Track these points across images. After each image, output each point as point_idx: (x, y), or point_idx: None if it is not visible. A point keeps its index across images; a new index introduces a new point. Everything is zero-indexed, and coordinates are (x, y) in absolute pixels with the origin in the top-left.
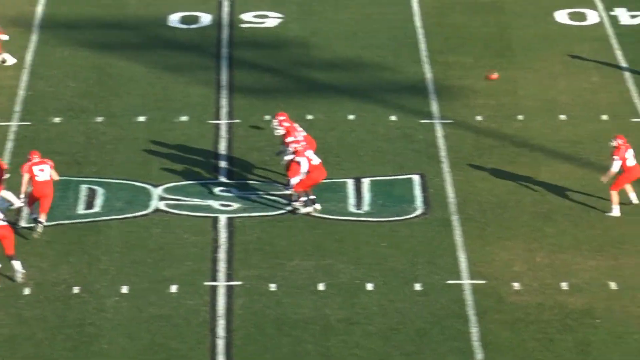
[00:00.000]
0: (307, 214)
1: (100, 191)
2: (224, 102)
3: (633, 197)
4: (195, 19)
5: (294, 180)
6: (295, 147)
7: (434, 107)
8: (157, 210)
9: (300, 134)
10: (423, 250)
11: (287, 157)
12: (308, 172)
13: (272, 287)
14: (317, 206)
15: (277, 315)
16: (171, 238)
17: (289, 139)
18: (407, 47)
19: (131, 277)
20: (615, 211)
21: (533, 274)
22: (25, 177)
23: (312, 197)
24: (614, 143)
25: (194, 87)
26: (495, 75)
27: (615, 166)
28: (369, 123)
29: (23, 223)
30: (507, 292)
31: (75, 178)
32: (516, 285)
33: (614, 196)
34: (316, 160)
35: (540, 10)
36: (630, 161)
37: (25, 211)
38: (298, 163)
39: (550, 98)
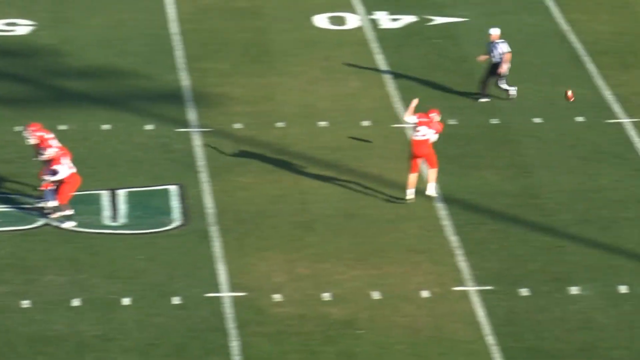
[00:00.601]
0: (69, 227)
1: None
2: None
3: (430, 188)
4: None
5: (52, 193)
6: (52, 154)
7: (191, 115)
8: None
9: (53, 146)
10: (181, 263)
11: (47, 177)
12: (63, 181)
13: (25, 303)
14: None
15: (30, 333)
16: None
17: (42, 149)
18: (163, 54)
19: None
20: (410, 194)
21: (294, 284)
22: None
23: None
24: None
25: None
26: (570, 95)
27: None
28: (124, 133)
29: None
30: (268, 304)
31: None
32: (277, 297)
33: (411, 179)
34: (73, 168)
35: (299, 15)
36: (417, 136)
37: None
38: (55, 171)
39: (309, 104)
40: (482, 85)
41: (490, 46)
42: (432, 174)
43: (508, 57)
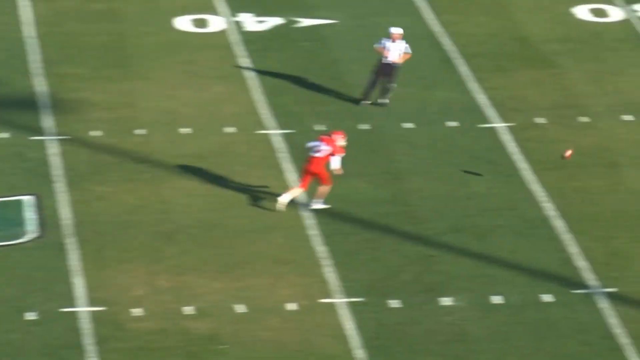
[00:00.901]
0: None
1: None
2: None
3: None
4: None
5: None
6: None
7: (47, 122)
8: None
9: None
10: (36, 277)
11: None
12: None
13: None
14: None
15: None
16: None
17: None
18: (17, 58)
19: None
20: (282, 202)
21: (155, 298)
22: None
23: None
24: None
25: None
26: (569, 153)
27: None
28: None
29: None
30: (128, 319)
31: None
32: (137, 311)
33: (295, 191)
34: None
35: (160, 17)
36: (314, 153)
37: None
38: None
39: (171, 110)
40: (369, 87)
41: (391, 45)
42: (323, 189)
43: (407, 57)
